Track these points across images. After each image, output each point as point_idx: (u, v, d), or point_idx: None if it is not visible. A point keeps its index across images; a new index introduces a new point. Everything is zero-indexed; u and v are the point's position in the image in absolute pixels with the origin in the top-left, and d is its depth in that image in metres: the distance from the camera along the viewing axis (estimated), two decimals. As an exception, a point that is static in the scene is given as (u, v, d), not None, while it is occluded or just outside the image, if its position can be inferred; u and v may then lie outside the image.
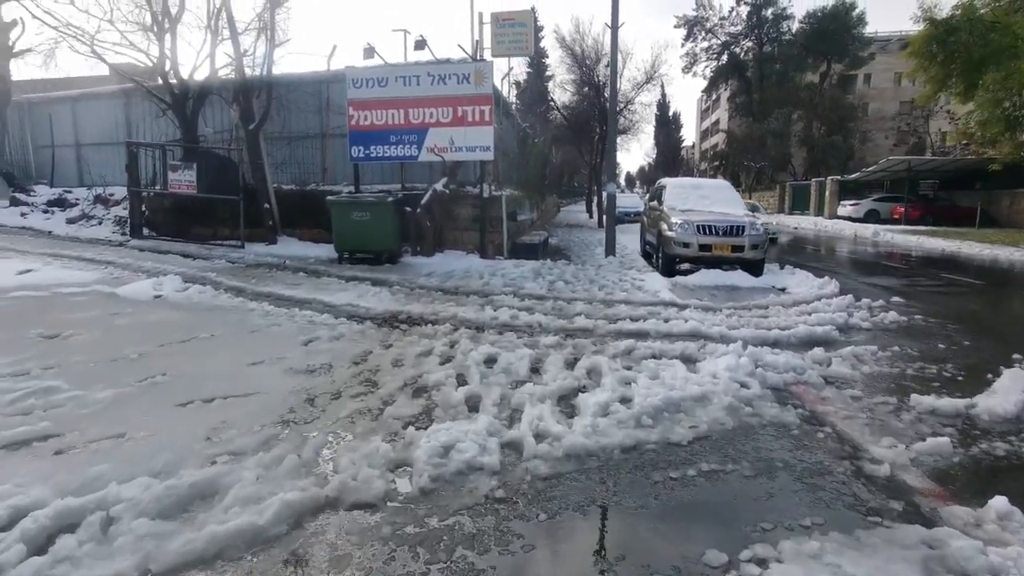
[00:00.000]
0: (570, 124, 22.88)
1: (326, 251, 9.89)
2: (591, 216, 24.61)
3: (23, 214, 12.43)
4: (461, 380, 3.69)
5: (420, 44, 9.41)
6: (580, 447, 2.68)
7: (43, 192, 13.50)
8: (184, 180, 10.39)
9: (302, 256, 9.57)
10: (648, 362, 4.03)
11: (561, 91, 24.81)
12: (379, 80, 9.82)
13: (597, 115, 21.43)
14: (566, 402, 3.36)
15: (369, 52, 9.47)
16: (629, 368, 3.96)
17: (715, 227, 8.53)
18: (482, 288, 7.15)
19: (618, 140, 18.88)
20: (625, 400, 3.31)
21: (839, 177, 29.16)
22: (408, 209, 9.50)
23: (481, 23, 9.84)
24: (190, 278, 7.29)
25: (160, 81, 10.99)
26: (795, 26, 38.45)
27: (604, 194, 13.23)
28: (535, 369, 3.99)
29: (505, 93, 16.91)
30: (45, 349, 4.09)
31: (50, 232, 11.41)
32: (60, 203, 12.82)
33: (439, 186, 9.63)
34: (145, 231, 11.11)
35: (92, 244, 10.28)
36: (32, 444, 2.66)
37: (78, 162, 14.64)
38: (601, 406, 3.14)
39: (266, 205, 10.41)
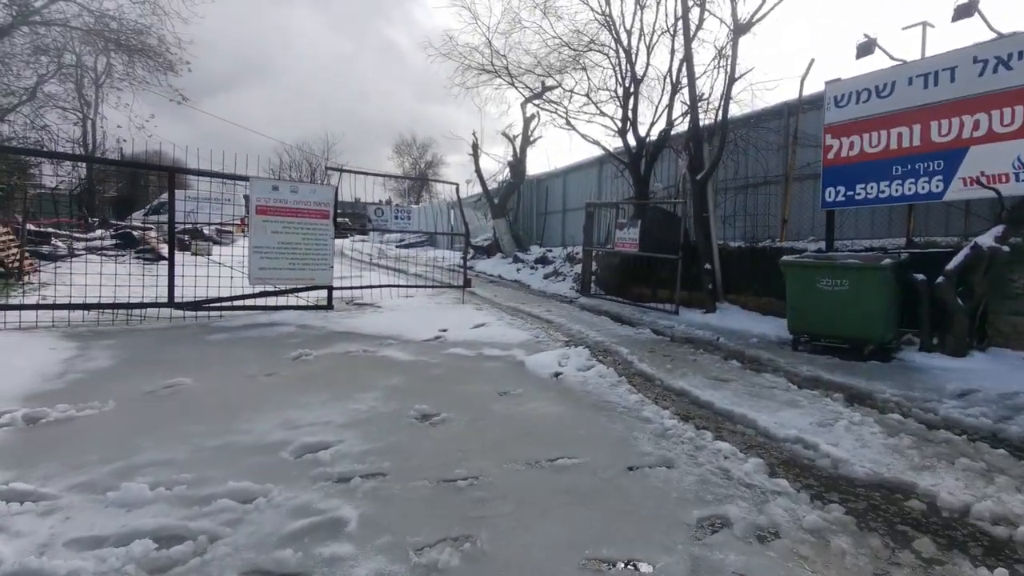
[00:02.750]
0: None
1: (775, 328, 7.39)
2: None
3: (518, 269, 15.06)
4: None
5: (963, 10, 5.86)
6: None
7: (534, 251, 16.17)
8: (628, 238, 9.98)
9: (742, 333, 7.38)
10: None
11: None
12: (878, 88, 6.75)
13: None
14: None
15: (866, 47, 6.60)
16: None
17: None
18: (1125, 461, 3.22)
19: None
20: None
21: None
22: (920, 277, 5.96)
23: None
24: (603, 350, 6.29)
25: (621, 143, 11.16)
26: None
27: None
28: None
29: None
30: (401, 440, 3.46)
31: (528, 286, 13.22)
32: (543, 261, 14.95)
33: (988, 240, 5.67)
34: (593, 289, 11.34)
35: (549, 299, 11.09)
36: None
37: (562, 225, 17.06)
38: None
39: (707, 266, 8.77)
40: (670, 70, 10.12)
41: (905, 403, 4.39)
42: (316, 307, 8.11)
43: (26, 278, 9.81)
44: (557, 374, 5.14)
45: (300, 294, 8.19)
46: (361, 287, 8.71)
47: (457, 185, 9.59)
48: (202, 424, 3.55)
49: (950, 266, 5.84)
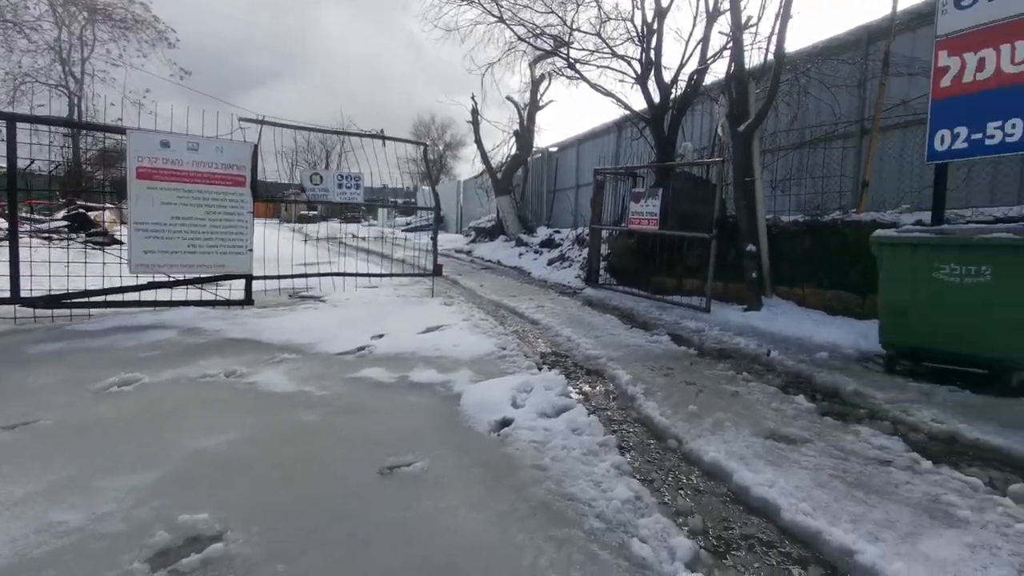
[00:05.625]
0: None
1: (851, 335, 5.19)
2: None
3: (520, 254, 12.97)
4: None
5: None
6: None
7: (541, 233, 14.03)
8: (646, 212, 7.76)
9: (803, 342, 5.17)
10: None
11: None
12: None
13: None
14: None
15: None
16: None
17: None
18: None
19: None
20: None
21: None
22: (1115, 261, 3.65)
23: None
24: (592, 373, 4.22)
25: (641, 96, 8.87)
26: None
27: None
28: None
29: None
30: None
31: (529, 273, 11.13)
32: (549, 244, 12.81)
33: None
34: (603, 277, 9.18)
35: (547, 290, 8.98)
36: None
37: (574, 203, 14.83)
38: None
39: (750, 247, 6.52)
40: (705, -8, 7.77)
41: None
42: (227, 302, 6.22)
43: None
44: (504, 423, 3.08)
45: (210, 286, 6.31)
46: (290, 276, 6.77)
47: (425, 145, 7.54)
48: None
49: None
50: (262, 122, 6.34)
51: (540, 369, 4.11)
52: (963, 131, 4.80)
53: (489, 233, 15.71)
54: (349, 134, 7.10)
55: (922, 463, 2.64)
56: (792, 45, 7.05)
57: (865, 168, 6.15)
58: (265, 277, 6.57)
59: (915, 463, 2.65)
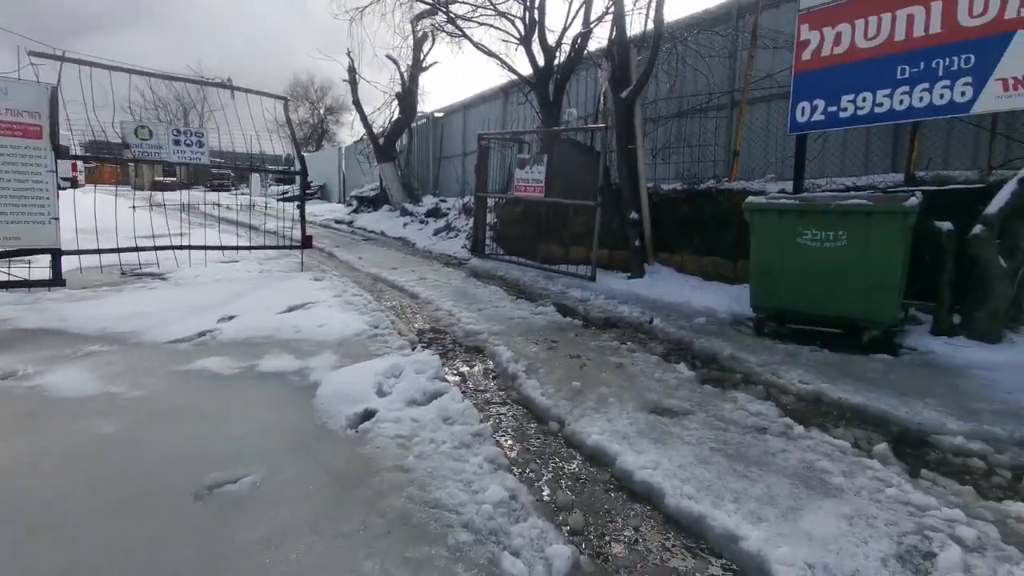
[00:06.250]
0: None
1: (724, 299, 5.34)
2: None
3: (405, 224, 12.29)
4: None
5: None
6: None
7: (427, 202, 13.40)
8: (531, 180, 7.51)
9: (682, 308, 5.24)
10: None
11: None
12: (886, -55, 4.58)
13: None
14: None
15: None
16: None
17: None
18: None
19: None
20: None
21: None
22: (945, 227, 3.98)
23: None
24: (471, 351, 3.91)
25: (527, 59, 8.52)
26: None
27: None
28: None
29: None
30: None
31: (413, 244, 10.55)
32: (435, 213, 12.26)
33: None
34: (490, 247, 8.87)
35: (431, 262, 8.51)
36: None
37: (461, 170, 14.33)
38: None
39: (633, 215, 6.53)
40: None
41: (991, 452, 2.36)
42: (25, 283, 5.02)
43: None
44: (365, 416, 2.65)
45: (2, 263, 5.05)
46: (117, 250, 5.62)
47: (286, 100, 6.61)
48: None
49: (991, 209, 3.90)
50: (61, 58, 5.09)
51: (414, 349, 3.69)
52: (821, 104, 5.02)
53: (372, 202, 14.73)
54: (182, 79, 5.98)
55: (795, 428, 2.63)
56: (670, 15, 7.09)
57: (736, 138, 6.37)
58: (81, 252, 5.41)
59: (788, 428, 2.64)
